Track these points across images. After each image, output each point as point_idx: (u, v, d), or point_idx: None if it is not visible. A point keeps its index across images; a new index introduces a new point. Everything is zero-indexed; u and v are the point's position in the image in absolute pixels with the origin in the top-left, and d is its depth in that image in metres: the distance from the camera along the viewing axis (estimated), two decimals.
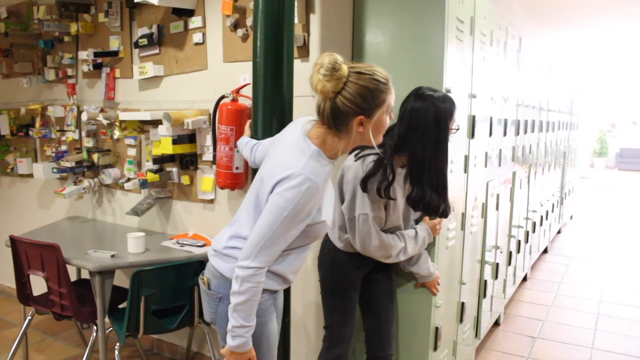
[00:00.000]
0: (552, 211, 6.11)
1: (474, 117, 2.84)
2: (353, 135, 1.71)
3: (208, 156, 3.06)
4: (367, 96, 1.64)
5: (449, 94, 2.18)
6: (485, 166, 3.17)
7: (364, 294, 2.43)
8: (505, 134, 3.57)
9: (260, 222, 1.69)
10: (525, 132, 4.27)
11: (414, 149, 2.11)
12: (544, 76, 4.99)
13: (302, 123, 1.83)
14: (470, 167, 2.87)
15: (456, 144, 2.62)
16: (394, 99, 1.74)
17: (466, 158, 2.82)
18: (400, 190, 2.21)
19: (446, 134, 2.14)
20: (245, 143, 2.34)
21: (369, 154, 2.18)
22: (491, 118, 3.18)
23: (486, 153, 3.16)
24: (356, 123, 1.67)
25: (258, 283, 1.71)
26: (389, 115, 1.74)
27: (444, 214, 2.16)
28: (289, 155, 1.73)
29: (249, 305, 1.71)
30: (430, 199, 2.10)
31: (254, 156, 2.24)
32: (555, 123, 5.74)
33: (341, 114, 1.66)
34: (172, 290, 2.73)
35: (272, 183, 1.68)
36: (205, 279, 1.92)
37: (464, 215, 2.85)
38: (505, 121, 3.56)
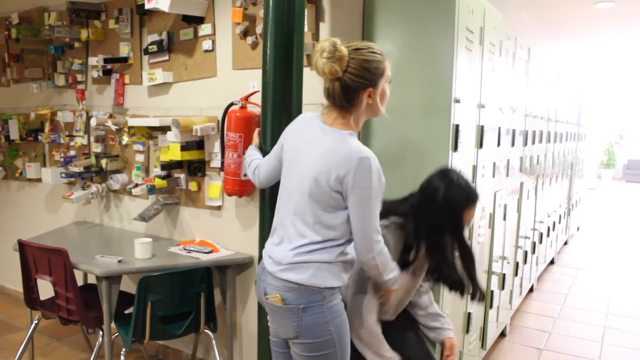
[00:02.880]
0: (559, 222, 6.09)
1: (482, 127, 2.84)
2: (362, 108, 1.83)
3: (216, 163, 3.07)
4: (370, 68, 1.77)
5: (472, 186, 2.09)
6: (493, 176, 3.17)
7: None
8: (513, 144, 3.57)
9: (360, 212, 1.78)
10: (533, 142, 4.27)
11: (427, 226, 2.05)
12: (552, 87, 4.99)
13: (310, 118, 1.92)
14: (478, 177, 2.87)
15: (464, 154, 2.62)
16: (390, 70, 1.86)
17: (474, 168, 2.81)
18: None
19: (458, 222, 2.05)
20: (249, 162, 2.31)
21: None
22: (499, 128, 3.18)
23: (494, 163, 3.15)
24: (365, 96, 1.80)
25: (385, 254, 1.87)
26: (389, 84, 1.88)
27: (474, 296, 2.13)
28: (335, 148, 1.80)
29: (388, 266, 1.90)
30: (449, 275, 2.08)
31: (258, 177, 2.23)
32: (563, 134, 5.73)
33: (351, 89, 1.78)
34: (178, 297, 2.73)
35: (337, 178, 1.76)
36: (278, 296, 1.88)
37: (471, 226, 2.84)
38: (514, 131, 3.56)
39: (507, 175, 3.52)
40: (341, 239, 1.87)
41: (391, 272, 1.94)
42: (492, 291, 3.36)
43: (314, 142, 1.87)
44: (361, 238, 1.82)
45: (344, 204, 1.82)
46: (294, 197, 1.88)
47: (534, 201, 4.52)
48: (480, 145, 2.84)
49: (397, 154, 2.58)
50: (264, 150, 2.33)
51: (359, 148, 1.79)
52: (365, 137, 2.66)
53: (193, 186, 3.19)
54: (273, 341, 2.04)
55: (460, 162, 2.57)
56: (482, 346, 3.38)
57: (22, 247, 2.90)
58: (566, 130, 5.96)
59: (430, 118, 2.49)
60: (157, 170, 3.30)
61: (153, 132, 3.37)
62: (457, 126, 2.47)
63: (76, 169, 3.60)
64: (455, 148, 2.48)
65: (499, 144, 3.19)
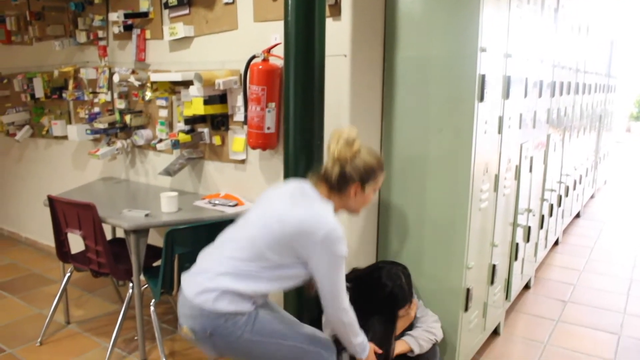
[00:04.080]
0: (586, 175, 6.00)
1: (509, 77, 2.77)
2: (346, 199, 1.99)
3: (239, 116, 3.06)
4: (370, 170, 1.97)
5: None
6: (520, 128, 3.11)
7: None
8: (540, 96, 3.49)
9: (327, 275, 1.88)
10: (561, 94, 4.16)
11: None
12: (582, 37, 4.83)
13: (300, 182, 2.03)
14: (505, 129, 2.82)
15: (491, 105, 2.57)
16: (382, 179, 2.07)
17: (500, 119, 2.76)
18: None
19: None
20: None
21: None
22: (526, 79, 3.10)
23: (521, 115, 3.09)
24: (353, 189, 1.97)
25: (352, 317, 1.99)
26: (374, 193, 2.07)
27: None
28: (315, 207, 1.92)
29: (354, 330, 2.02)
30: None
31: None
32: (591, 85, 5.58)
33: (345, 178, 1.94)
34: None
35: (309, 233, 1.84)
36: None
37: (497, 177, 2.81)
38: (541, 82, 3.47)
39: (534, 127, 3.45)
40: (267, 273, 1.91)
41: (358, 335, 2.04)
42: (517, 244, 3.35)
43: (291, 193, 1.99)
44: (330, 297, 1.91)
45: (298, 257, 1.89)
46: (253, 228, 1.95)
47: (560, 154, 4.44)
48: (507, 96, 2.79)
49: (422, 105, 2.54)
50: (291, 105, 2.31)
51: (333, 219, 1.89)
52: (388, 89, 2.62)
53: (217, 140, 3.20)
54: None
55: (486, 112, 2.52)
56: (506, 297, 3.39)
57: (52, 202, 2.96)
58: (595, 82, 5.80)
59: (455, 68, 2.44)
60: (180, 125, 3.31)
61: (176, 87, 3.36)
62: (483, 76, 2.41)
63: (101, 126, 3.63)
64: (481, 98, 2.43)
65: (525, 95, 3.12)
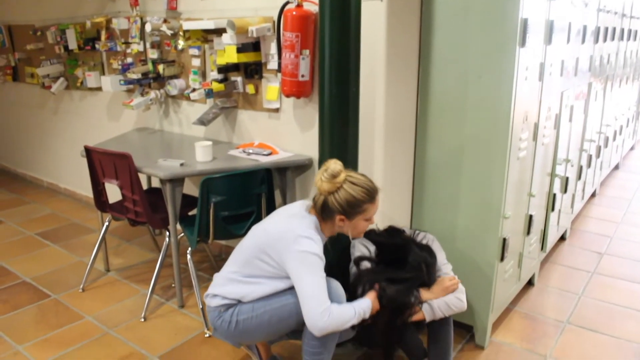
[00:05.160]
0: (627, 126, 5.82)
1: (552, 22, 2.65)
2: (335, 226, 2.11)
3: (273, 64, 3.02)
4: (352, 203, 2.04)
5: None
6: (561, 75, 3.00)
7: None
8: (583, 42, 3.35)
9: (300, 275, 2.00)
10: (605, 40, 3.99)
11: None
12: None
13: (300, 204, 2.21)
14: (546, 76, 2.72)
15: (532, 51, 2.47)
16: (375, 210, 2.12)
17: (541, 66, 2.66)
18: None
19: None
20: None
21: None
22: (570, 24, 2.97)
23: (562, 61, 2.98)
24: (338, 219, 2.07)
25: (335, 316, 1.98)
26: (369, 221, 2.13)
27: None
28: (294, 222, 2.08)
29: (344, 321, 2.01)
30: None
31: None
32: (637, 31, 5.33)
33: (328, 209, 2.06)
34: (240, 198, 2.79)
35: (281, 239, 2.04)
36: None
37: (536, 126, 2.74)
38: (584, 28, 3.32)
39: (575, 75, 3.33)
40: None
41: (352, 317, 2.03)
42: (554, 194, 3.29)
43: (284, 211, 2.20)
44: (307, 302, 1.99)
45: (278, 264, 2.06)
46: (255, 240, 2.14)
47: (601, 103, 4.30)
48: (549, 41, 2.67)
49: (460, 50, 2.45)
50: (326, 52, 2.26)
51: (300, 227, 2.04)
52: (426, 34, 2.54)
53: (250, 89, 3.18)
54: None
55: (527, 58, 2.43)
56: (542, 248, 3.36)
57: (89, 152, 3.00)
58: None
59: (496, 11, 2.34)
60: (213, 74, 3.28)
61: (208, 35, 3.32)
62: (525, 20, 2.31)
63: (134, 76, 3.63)
64: (523, 44, 2.34)
65: (568, 41, 3.00)
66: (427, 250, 2.37)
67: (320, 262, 2.01)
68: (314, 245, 2.00)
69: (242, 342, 2.32)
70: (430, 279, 2.31)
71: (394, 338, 2.33)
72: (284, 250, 2.01)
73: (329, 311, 1.96)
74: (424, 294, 2.24)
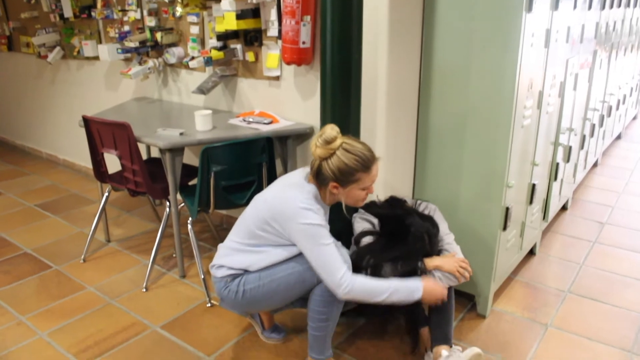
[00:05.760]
0: (630, 95, 5.76)
1: None
2: (328, 192, 2.07)
3: (273, 31, 2.96)
4: (344, 171, 1.99)
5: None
6: (567, 42, 2.95)
7: None
8: (590, 8, 3.28)
9: (310, 248, 2.00)
10: (612, 6, 3.91)
11: None
12: None
13: (300, 171, 2.19)
14: (552, 42, 2.67)
15: (538, 16, 2.42)
16: (372, 180, 2.07)
17: (547, 32, 2.61)
18: None
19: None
20: None
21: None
22: None
23: (569, 28, 2.92)
24: (331, 186, 2.04)
25: (358, 286, 1.98)
26: (366, 190, 2.08)
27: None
28: (291, 192, 2.05)
29: (372, 293, 2.00)
30: None
31: None
32: None
33: (322, 175, 2.03)
34: (240, 167, 2.77)
35: (281, 212, 2.02)
36: None
37: (541, 94, 2.70)
38: None
39: (581, 42, 3.27)
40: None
41: (383, 292, 2.00)
42: (557, 163, 3.26)
43: (285, 181, 2.17)
44: (324, 272, 2.00)
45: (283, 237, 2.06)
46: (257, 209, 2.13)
47: (606, 71, 4.24)
48: (556, 6, 2.61)
49: (465, 15, 2.40)
50: (328, 18, 2.20)
51: (297, 198, 2.01)
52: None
53: (250, 56, 3.12)
54: None
55: (534, 24, 2.38)
56: (543, 218, 3.35)
57: (87, 122, 2.96)
58: None
59: None
60: (212, 42, 3.22)
61: (207, 2, 3.25)
62: None
63: (132, 44, 3.57)
64: (530, 9, 2.28)
65: (575, 6, 2.93)
66: (430, 220, 2.36)
67: (324, 231, 2.00)
68: (314, 216, 1.98)
69: (249, 311, 2.34)
70: (433, 250, 2.30)
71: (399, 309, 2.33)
72: (286, 223, 2.01)
73: (348, 279, 1.97)
74: (429, 262, 2.23)
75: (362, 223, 2.40)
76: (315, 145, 2.01)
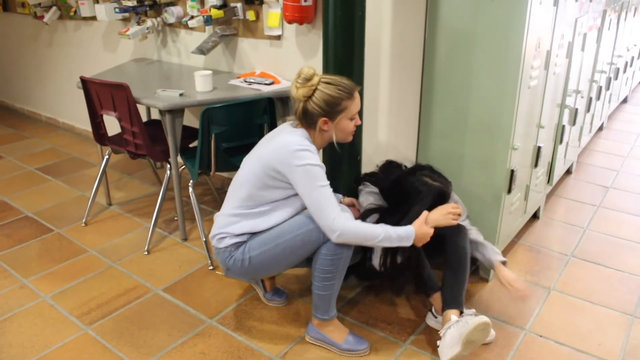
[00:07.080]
0: (638, 58, 5.66)
1: None
2: (318, 131, 2.07)
3: None
4: (331, 102, 2.01)
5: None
6: (576, 1, 2.86)
7: None
8: None
9: (307, 187, 1.98)
10: None
11: None
12: None
13: (287, 123, 2.18)
14: (561, 1, 2.59)
15: None
16: (357, 107, 2.08)
17: None
18: None
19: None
20: None
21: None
22: None
23: None
24: (321, 122, 2.04)
25: (351, 228, 1.97)
26: (354, 121, 2.09)
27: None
28: (282, 137, 2.05)
29: (364, 237, 1.99)
30: None
31: None
32: None
33: (309, 114, 2.04)
34: (241, 128, 2.73)
35: (279, 158, 2.00)
36: None
37: (548, 54, 2.63)
38: None
39: (590, 1, 3.18)
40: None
41: (376, 236, 1.99)
42: (563, 126, 3.21)
43: (271, 135, 2.17)
44: (317, 212, 1.99)
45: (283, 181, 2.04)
46: (247, 171, 2.12)
47: (614, 33, 4.15)
48: None
49: None
50: None
51: (292, 140, 2.01)
52: None
53: (251, 15, 3.05)
54: None
55: None
56: (548, 181, 3.32)
57: (85, 84, 2.91)
58: None
59: None
60: (212, 0, 3.14)
61: None
62: None
63: (129, 3, 3.49)
64: None
65: None
66: (443, 178, 2.32)
67: (321, 171, 2.00)
68: (312, 156, 1.99)
69: (256, 277, 2.34)
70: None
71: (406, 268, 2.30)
72: (285, 168, 1.99)
73: (342, 221, 1.96)
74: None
75: (367, 197, 2.37)
76: (295, 87, 2.03)
